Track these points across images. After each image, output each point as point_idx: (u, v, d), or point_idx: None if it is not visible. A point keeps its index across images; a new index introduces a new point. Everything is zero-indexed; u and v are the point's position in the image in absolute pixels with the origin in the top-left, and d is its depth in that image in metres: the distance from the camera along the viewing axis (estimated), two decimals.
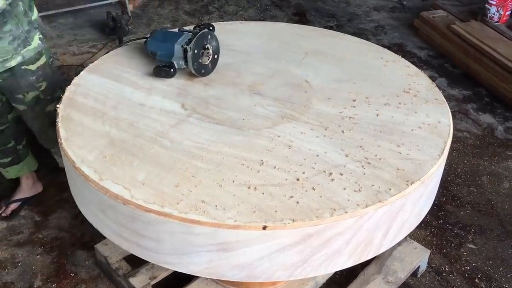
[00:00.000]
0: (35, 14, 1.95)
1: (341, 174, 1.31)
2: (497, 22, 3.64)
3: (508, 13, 3.63)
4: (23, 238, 2.16)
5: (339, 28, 4.16)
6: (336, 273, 1.97)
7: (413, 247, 1.97)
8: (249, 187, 1.26)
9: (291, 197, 1.24)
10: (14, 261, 2.06)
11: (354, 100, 1.64)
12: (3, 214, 2.20)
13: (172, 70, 1.71)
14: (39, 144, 2.29)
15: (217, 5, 4.51)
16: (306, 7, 4.53)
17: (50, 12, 4.12)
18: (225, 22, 2.20)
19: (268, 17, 4.32)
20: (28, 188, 2.28)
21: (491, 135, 2.90)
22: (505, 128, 2.96)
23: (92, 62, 1.84)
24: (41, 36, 1.95)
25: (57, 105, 1.58)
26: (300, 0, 4.64)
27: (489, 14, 3.65)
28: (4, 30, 1.79)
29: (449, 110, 1.61)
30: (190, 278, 1.79)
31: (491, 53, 3.24)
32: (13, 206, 2.22)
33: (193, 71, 1.72)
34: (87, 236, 2.15)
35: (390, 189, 1.27)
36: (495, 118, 3.05)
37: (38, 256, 2.08)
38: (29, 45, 1.89)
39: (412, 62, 1.93)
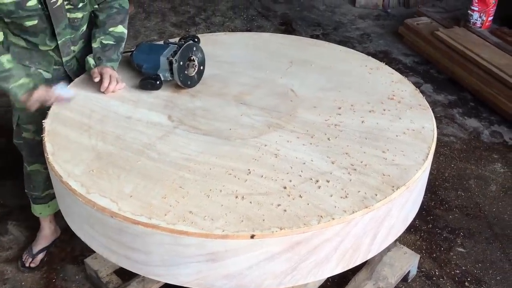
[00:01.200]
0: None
1: (328, 181, 1.33)
2: (480, 27, 3.69)
3: (490, 18, 3.69)
4: (12, 254, 2.14)
5: (325, 36, 4.20)
6: (327, 280, 1.98)
7: (403, 252, 1.99)
8: (236, 197, 1.27)
9: (279, 205, 1.25)
10: (3, 277, 2.04)
11: (339, 108, 1.66)
12: (32, 265, 2.07)
13: (158, 82, 1.72)
14: None
15: (203, 16, 4.54)
16: (292, 16, 4.57)
17: None
18: (211, 33, 2.22)
19: (254, 27, 4.35)
20: (50, 233, 2.16)
21: (477, 139, 2.94)
22: (491, 132, 3.00)
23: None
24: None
25: (43, 120, 1.58)
26: (286, 10, 4.68)
27: (472, 20, 3.71)
28: None
29: (433, 116, 1.64)
30: None
31: (475, 58, 3.29)
32: (40, 256, 2.11)
33: (179, 83, 1.73)
34: (77, 250, 2.14)
35: (376, 195, 1.28)
36: (480, 122, 3.09)
37: (27, 272, 2.06)
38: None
39: (398, 69, 1.96)
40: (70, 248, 2.16)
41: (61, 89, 1.66)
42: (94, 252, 1.84)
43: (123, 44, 1.84)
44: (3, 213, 2.35)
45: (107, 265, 1.91)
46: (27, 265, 2.04)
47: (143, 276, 1.79)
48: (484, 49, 3.40)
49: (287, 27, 4.38)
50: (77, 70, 1.87)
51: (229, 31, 4.23)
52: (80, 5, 1.70)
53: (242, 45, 2.10)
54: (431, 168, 1.57)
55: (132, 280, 1.83)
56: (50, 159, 1.41)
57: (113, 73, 1.74)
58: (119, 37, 1.81)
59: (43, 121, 1.58)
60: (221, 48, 2.07)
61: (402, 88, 1.78)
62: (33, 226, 2.27)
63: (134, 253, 1.28)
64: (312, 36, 4.15)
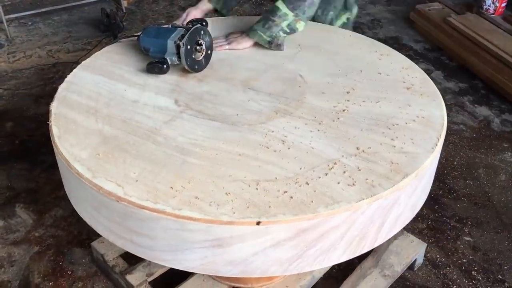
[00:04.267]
0: (338, 23, 2.22)
1: (335, 168, 1.31)
2: (493, 14, 3.63)
3: (503, 5, 3.62)
4: (19, 237, 2.15)
5: None
6: (333, 267, 1.97)
7: (409, 240, 1.98)
8: (243, 183, 1.26)
9: (285, 192, 1.23)
10: (11, 259, 2.05)
11: (348, 94, 1.64)
12: None
13: (165, 66, 1.70)
14: (33, 143, 2.28)
15: None
16: None
17: (44, 9, 4.11)
18: (219, 17, 2.19)
19: (263, 12, 4.31)
20: None
21: (488, 128, 2.90)
22: (501, 121, 2.96)
23: (86, 59, 1.83)
24: None
25: (50, 103, 1.57)
26: None
27: (484, 6, 3.64)
28: None
29: (443, 103, 1.61)
30: (187, 275, 1.79)
31: (487, 45, 3.23)
32: None
33: (186, 67, 1.71)
34: (84, 234, 2.15)
35: (384, 183, 1.27)
36: (491, 111, 3.05)
37: (34, 255, 2.07)
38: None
39: (408, 55, 1.93)
40: (77, 232, 2.17)
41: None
42: (100, 235, 1.85)
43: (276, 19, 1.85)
44: (11, 196, 2.37)
45: (113, 249, 1.91)
46: None
47: (149, 261, 1.80)
48: (497, 36, 3.34)
49: None
50: None
51: (237, 15, 4.19)
52: None
53: None
54: (440, 156, 1.55)
55: (138, 264, 1.84)
56: (57, 142, 1.40)
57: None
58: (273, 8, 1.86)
59: (50, 103, 1.57)
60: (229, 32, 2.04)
61: (413, 74, 1.75)
62: (41, 210, 2.28)
63: (139, 238, 1.28)
64: None
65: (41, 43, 3.72)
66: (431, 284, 1.97)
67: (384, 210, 1.29)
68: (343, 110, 1.55)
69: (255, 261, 1.24)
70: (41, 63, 3.46)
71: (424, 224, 2.24)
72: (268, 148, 1.39)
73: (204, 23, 1.82)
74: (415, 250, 1.94)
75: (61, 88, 1.66)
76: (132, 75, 1.73)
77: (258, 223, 1.16)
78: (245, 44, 1.91)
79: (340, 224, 1.22)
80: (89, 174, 1.29)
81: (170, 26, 1.80)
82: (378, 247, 1.87)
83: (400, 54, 1.90)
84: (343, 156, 1.36)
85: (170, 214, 1.18)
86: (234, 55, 1.88)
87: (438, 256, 2.09)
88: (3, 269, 2.01)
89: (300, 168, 1.31)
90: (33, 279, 1.97)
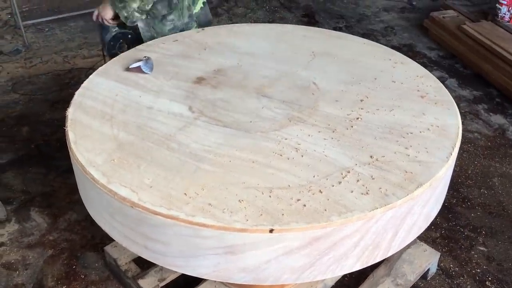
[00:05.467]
0: (196, 8, 2.27)
1: (349, 177, 1.31)
2: (508, 22, 3.60)
3: None
4: (34, 240, 2.18)
5: (348, 29, 4.14)
6: (345, 275, 1.96)
7: (422, 249, 1.96)
8: (256, 190, 1.26)
9: (298, 200, 1.24)
10: (25, 263, 2.08)
11: (361, 102, 1.64)
12: None
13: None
14: (48, 147, 2.30)
15: (226, 7, 4.52)
16: (315, 8, 4.52)
17: (61, 16, 4.17)
18: (233, 24, 2.20)
19: (277, 18, 4.32)
20: None
21: (502, 136, 2.87)
22: None
23: (102, 65, 1.85)
24: (197, 28, 2.27)
25: (67, 109, 1.59)
26: (309, 2, 4.63)
27: (500, 14, 3.62)
28: (168, 19, 2.17)
29: (458, 112, 1.60)
30: (198, 280, 1.79)
31: (502, 53, 3.21)
32: None
33: None
34: (97, 238, 2.17)
35: (398, 192, 1.26)
36: (506, 119, 3.02)
37: (48, 258, 2.09)
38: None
39: (422, 63, 1.92)
40: (91, 236, 2.19)
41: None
42: (114, 240, 1.86)
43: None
44: (26, 199, 2.40)
45: (126, 253, 1.93)
46: None
47: (161, 266, 1.81)
48: None
49: (309, 19, 4.33)
50: None
51: (251, 22, 4.21)
52: None
53: (264, 37, 2.08)
54: (454, 165, 1.54)
55: (150, 269, 1.85)
56: (73, 148, 1.42)
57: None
58: None
59: (67, 109, 1.59)
60: (242, 39, 2.06)
61: (427, 83, 1.75)
62: (55, 213, 2.31)
63: (153, 244, 1.29)
64: (335, 29, 4.10)
65: (57, 49, 3.77)
66: None
67: (398, 219, 1.28)
68: (357, 118, 1.55)
69: (267, 268, 1.24)
70: (58, 69, 3.50)
71: (438, 233, 2.22)
72: (281, 155, 1.39)
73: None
74: (428, 259, 1.92)
75: (77, 94, 1.68)
76: (146, 82, 1.75)
77: (271, 230, 1.16)
78: (107, 12, 2.12)
79: (353, 233, 1.22)
80: (104, 180, 1.30)
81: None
82: (391, 255, 1.86)
83: (415, 62, 1.89)
84: (356, 164, 1.35)
85: (183, 221, 1.19)
86: (248, 62, 1.89)
87: (451, 265, 2.07)
88: (17, 272, 2.03)
89: (314, 176, 1.31)
90: (47, 283, 1.99)
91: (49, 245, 2.15)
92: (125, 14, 2.06)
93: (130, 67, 1.81)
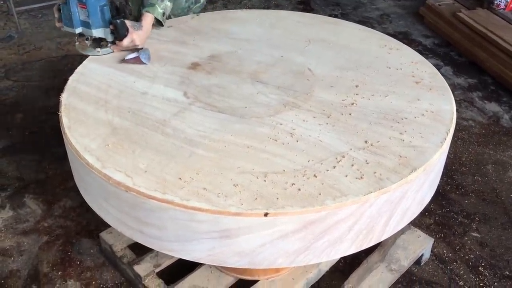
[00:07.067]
0: None
1: (343, 162, 1.31)
2: (504, 9, 3.60)
3: None
4: (29, 227, 2.18)
5: (344, 16, 4.13)
6: (339, 260, 1.98)
7: (416, 235, 1.97)
8: (251, 175, 1.26)
9: (293, 184, 1.24)
10: (20, 249, 2.08)
11: (356, 87, 1.64)
12: None
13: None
14: (42, 134, 2.30)
15: None
16: None
17: (54, 2, 4.11)
18: (228, 10, 2.19)
19: (272, 5, 4.30)
20: None
21: (497, 124, 2.88)
22: (511, 117, 2.94)
23: None
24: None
25: (61, 94, 1.59)
26: None
27: (495, 2, 3.61)
28: None
29: (453, 98, 1.60)
30: (194, 266, 1.80)
31: (497, 41, 3.21)
32: None
33: None
34: (92, 224, 2.17)
35: (392, 176, 1.27)
36: (500, 107, 3.03)
37: (43, 244, 2.09)
38: (199, 2, 2.31)
39: (417, 51, 1.92)
40: (86, 222, 2.19)
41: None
42: (109, 226, 1.86)
43: None
44: (21, 186, 2.39)
45: (121, 239, 1.93)
46: None
47: (157, 251, 1.81)
48: (507, 31, 3.31)
49: (305, 6, 4.31)
50: None
51: (246, 8, 4.18)
52: None
53: (259, 23, 2.07)
54: (448, 152, 1.55)
55: (145, 255, 1.85)
56: (67, 133, 1.41)
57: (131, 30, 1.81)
58: None
59: (60, 94, 1.58)
60: (237, 25, 2.05)
61: (422, 69, 1.75)
62: (50, 200, 2.30)
63: (148, 228, 1.29)
64: (330, 16, 4.08)
65: (51, 35, 3.74)
66: (438, 279, 1.97)
67: (392, 203, 1.29)
68: (352, 104, 1.55)
69: (262, 252, 1.24)
70: (51, 55, 3.48)
71: (432, 219, 2.24)
72: (276, 140, 1.39)
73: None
74: (422, 245, 1.94)
75: (71, 79, 1.67)
76: (141, 67, 1.74)
77: (265, 214, 1.17)
78: (144, 33, 1.85)
79: (348, 217, 1.22)
80: (98, 164, 1.30)
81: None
82: (385, 241, 1.88)
83: (410, 48, 1.89)
84: (351, 149, 1.36)
85: (178, 205, 1.19)
86: (243, 48, 1.88)
87: (445, 251, 2.09)
88: (12, 258, 2.03)
89: (308, 161, 1.31)
90: (42, 269, 1.99)
91: (44, 232, 2.15)
92: (162, 11, 1.95)
93: (126, 58, 1.78)
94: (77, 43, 1.87)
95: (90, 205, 1.48)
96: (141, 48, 1.81)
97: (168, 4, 1.95)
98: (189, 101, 1.57)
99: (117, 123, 1.46)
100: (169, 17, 2.10)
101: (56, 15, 1.85)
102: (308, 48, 1.88)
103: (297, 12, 2.28)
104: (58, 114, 1.51)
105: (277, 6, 4.28)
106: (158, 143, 1.38)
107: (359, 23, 2.15)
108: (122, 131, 1.42)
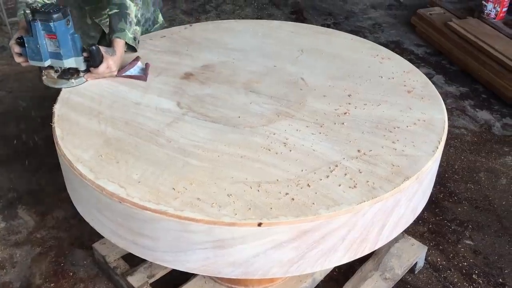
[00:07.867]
0: None
1: (336, 171, 1.32)
2: (494, 18, 3.64)
3: (504, 9, 3.64)
4: (21, 238, 2.16)
5: (336, 26, 4.16)
6: (334, 270, 1.98)
7: (410, 243, 1.98)
8: (244, 185, 1.27)
9: (287, 193, 1.24)
10: (12, 261, 2.06)
11: (349, 97, 1.65)
12: None
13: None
14: (35, 145, 2.29)
15: (214, 4, 4.51)
16: (303, 5, 4.53)
17: None
18: (221, 20, 2.20)
19: (265, 15, 4.33)
20: None
21: (489, 132, 2.91)
22: (502, 125, 2.97)
23: None
24: (161, 12, 2.28)
25: (53, 105, 1.58)
26: None
27: (485, 11, 3.66)
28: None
29: (444, 107, 1.62)
30: (187, 277, 1.79)
31: (488, 49, 3.24)
32: None
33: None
34: (85, 236, 2.15)
35: (385, 185, 1.27)
36: (492, 115, 3.06)
37: (36, 256, 2.08)
38: (157, 23, 2.27)
39: (409, 60, 1.94)
40: (79, 233, 2.18)
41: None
42: (102, 237, 1.85)
43: (129, 12, 1.80)
44: (13, 197, 2.37)
45: (115, 250, 1.92)
46: None
47: (150, 262, 1.80)
48: (498, 40, 3.35)
49: (298, 16, 4.34)
50: None
51: (239, 19, 4.20)
52: None
53: (252, 33, 2.08)
54: (440, 160, 1.56)
55: (139, 265, 1.85)
56: (60, 143, 1.41)
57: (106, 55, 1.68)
58: (121, 4, 1.80)
59: (53, 105, 1.58)
60: (230, 35, 2.06)
61: (414, 78, 1.76)
62: (43, 211, 2.29)
63: (141, 239, 1.29)
64: (323, 25, 4.10)
65: None
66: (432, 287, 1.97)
67: (385, 212, 1.29)
68: (345, 113, 1.56)
69: (256, 262, 1.24)
70: None
71: (425, 227, 2.24)
72: (269, 150, 1.39)
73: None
74: (416, 253, 1.94)
75: (64, 90, 1.67)
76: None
77: (259, 224, 1.17)
78: (118, 59, 1.73)
79: (341, 226, 1.23)
80: (91, 175, 1.29)
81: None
82: (379, 250, 1.88)
83: (401, 57, 1.91)
84: (344, 158, 1.36)
85: (172, 215, 1.19)
86: (236, 58, 1.89)
87: (439, 259, 2.09)
88: (5, 270, 2.02)
89: (302, 170, 1.32)
90: (35, 281, 1.98)
91: (37, 243, 2.14)
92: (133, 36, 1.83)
93: (124, 74, 1.73)
94: (44, 76, 1.71)
95: (83, 216, 1.47)
96: (136, 63, 1.79)
97: (137, 28, 1.85)
98: (182, 111, 1.57)
99: (110, 134, 1.46)
100: None
101: (16, 50, 1.67)
102: (301, 58, 1.89)
103: (290, 22, 2.29)
104: (51, 125, 1.51)
105: (270, 16, 4.30)
106: (151, 153, 1.38)
107: (351, 33, 2.17)
108: (115, 142, 1.42)
